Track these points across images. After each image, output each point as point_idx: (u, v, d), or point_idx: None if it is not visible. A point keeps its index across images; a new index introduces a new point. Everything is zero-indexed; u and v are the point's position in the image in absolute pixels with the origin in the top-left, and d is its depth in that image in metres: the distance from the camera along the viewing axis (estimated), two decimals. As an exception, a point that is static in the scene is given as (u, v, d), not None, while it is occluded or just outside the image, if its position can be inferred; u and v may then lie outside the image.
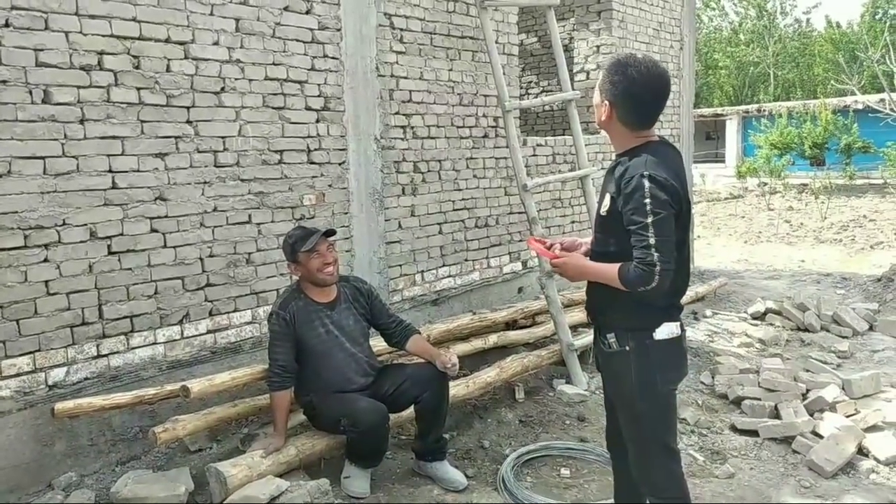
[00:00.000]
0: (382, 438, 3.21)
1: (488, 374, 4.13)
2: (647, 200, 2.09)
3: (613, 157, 2.43)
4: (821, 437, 3.71)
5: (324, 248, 3.21)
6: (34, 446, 3.16)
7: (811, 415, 3.97)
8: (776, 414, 4.03)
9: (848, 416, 3.90)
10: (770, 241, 11.43)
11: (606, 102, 2.28)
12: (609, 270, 2.22)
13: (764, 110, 23.92)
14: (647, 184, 2.10)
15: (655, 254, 2.08)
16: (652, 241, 2.08)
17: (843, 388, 4.26)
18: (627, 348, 2.29)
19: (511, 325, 4.97)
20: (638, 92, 2.22)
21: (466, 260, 5.31)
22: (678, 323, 2.32)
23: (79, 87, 3.19)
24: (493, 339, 4.63)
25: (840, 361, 5.07)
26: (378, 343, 3.61)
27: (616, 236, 2.25)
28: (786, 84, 36.60)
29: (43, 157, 3.11)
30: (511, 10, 5.52)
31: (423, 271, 4.97)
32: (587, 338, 4.72)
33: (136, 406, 3.27)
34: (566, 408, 4.22)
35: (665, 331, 2.26)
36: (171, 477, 3.06)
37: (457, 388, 3.79)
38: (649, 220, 2.09)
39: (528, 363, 4.42)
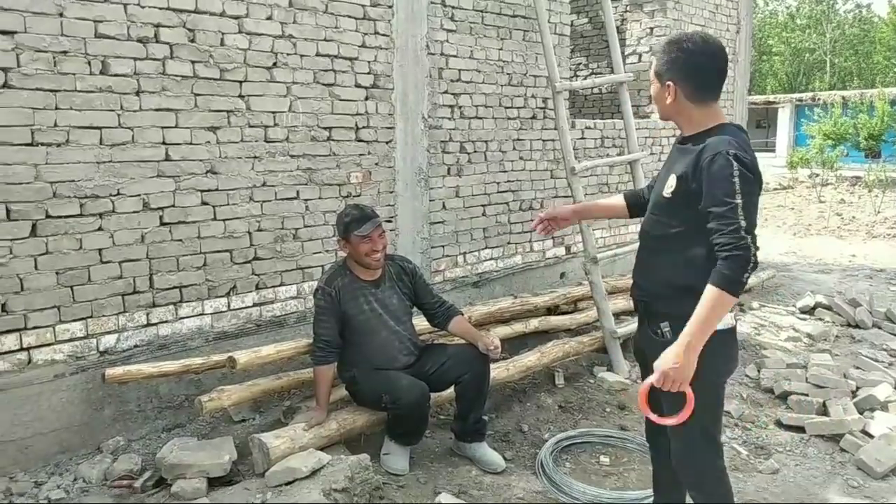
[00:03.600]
0: (423, 417, 3.22)
1: (529, 359, 4.11)
2: (737, 181, 2.00)
3: (677, 138, 2.33)
4: (871, 436, 3.61)
5: (376, 234, 3.22)
6: (85, 409, 3.25)
7: (861, 413, 3.86)
8: (824, 411, 3.93)
9: (900, 417, 3.79)
10: (820, 234, 11.11)
11: (669, 83, 2.20)
12: (710, 301, 2.00)
13: (818, 99, 23.20)
14: (735, 164, 2.01)
15: (748, 236, 1.99)
16: (743, 223, 1.98)
17: (895, 388, 4.13)
18: None
19: (552, 310, 4.93)
20: (699, 61, 2.18)
21: (509, 243, 5.27)
22: (733, 313, 2.24)
23: (135, 59, 3.23)
24: (534, 324, 4.60)
25: (892, 360, 4.90)
26: (420, 323, 3.62)
27: (680, 217, 2.18)
28: (842, 72, 35.43)
29: (99, 128, 3.16)
30: (564, -10, 5.42)
31: (465, 253, 4.95)
32: (630, 325, 4.66)
33: (183, 375, 3.34)
34: (606, 395, 4.18)
35: (722, 321, 2.18)
36: (216, 445, 3.12)
37: (497, 371, 3.78)
38: (739, 201, 1.99)
39: (569, 349, 4.39)
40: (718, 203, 2.02)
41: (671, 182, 2.20)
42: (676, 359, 2.04)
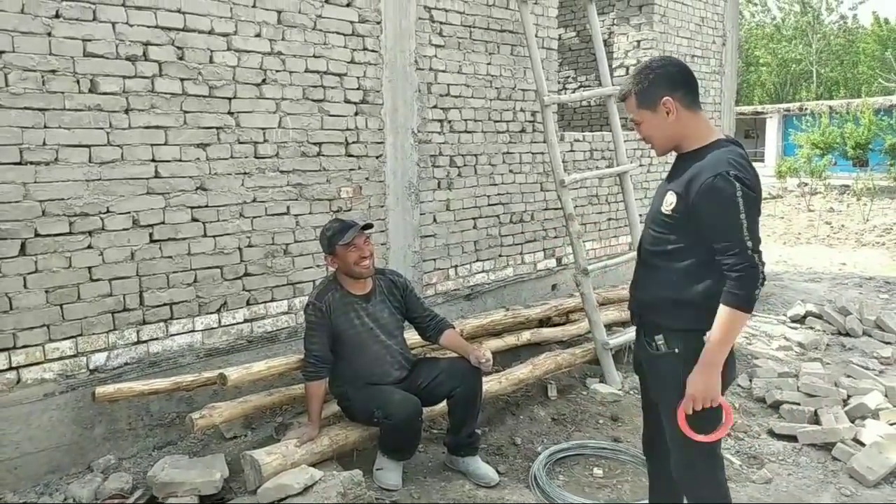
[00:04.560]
0: (416, 431, 3.21)
1: (521, 371, 4.11)
2: (740, 201, 2.03)
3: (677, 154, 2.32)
4: (863, 444, 3.62)
5: (361, 241, 3.22)
6: (75, 428, 3.23)
7: (852, 421, 3.87)
8: (816, 419, 3.94)
9: (891, 424, 3.80)
10: (810, 242, 11.19)
11: (665, 99, 2.21)
12: (726, 321, 2.06)
13: (805, 109, 23.40)
14: (737, 185, 2.04)
15: (755, 255, 2.04)
16: (749, 243, 2.03)
17: (886, 395, 4.14)
18: (677, 350, 2.22)
19: (544, 322, 4.94)
20: (674, 70, 2.25)
21: (500, 255, 5.28)
22: None
23: (124, 78, 3.24)
24: (526, 336, 4.61)
25: (883, 368, 4.93)
26: (411, 337, 3.62)
27: (678, 233, 2.20)
28: (829, 82, 35.79)
29: (88, 146, 3.16)
30: (551, 4, 5.47)
31: (456, 266, 4.96)
32: (622, 337, 4.68)
33: (174, 392, 3.32)
34: (599, 407, 4.19)
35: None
36: (207, 463, 3.10)
37: (489, 384, 3.78)
38: (744, 221, 2.03)
39: (562, 361, 4.39)
40: (724, 224, 2.05)
41: (671, 199, 2.21)
42: (700, 382, 2.12)
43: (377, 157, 4.33)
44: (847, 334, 5.66)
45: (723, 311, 2.06)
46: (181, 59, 3.41)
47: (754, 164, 2.19)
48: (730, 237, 2.04)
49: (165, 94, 3.37)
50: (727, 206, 2.04)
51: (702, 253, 2.14)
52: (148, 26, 3.29)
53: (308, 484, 2.86)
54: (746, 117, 25.95)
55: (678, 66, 2.27)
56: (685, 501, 2.43)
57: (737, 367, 2.44)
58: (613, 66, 6.85)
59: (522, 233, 5.44)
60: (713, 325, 2.09)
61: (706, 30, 7.24)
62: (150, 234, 3.39)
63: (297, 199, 3.93)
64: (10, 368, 3.02)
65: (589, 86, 7.80)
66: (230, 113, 3.61)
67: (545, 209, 5.58)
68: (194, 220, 3.53)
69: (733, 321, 2.06)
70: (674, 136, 2.27)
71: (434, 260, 4.79)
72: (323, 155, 4.03)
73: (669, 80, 2.23)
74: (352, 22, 4.12)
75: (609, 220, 6.25)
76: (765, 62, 36.66)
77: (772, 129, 24.98)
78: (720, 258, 2.08)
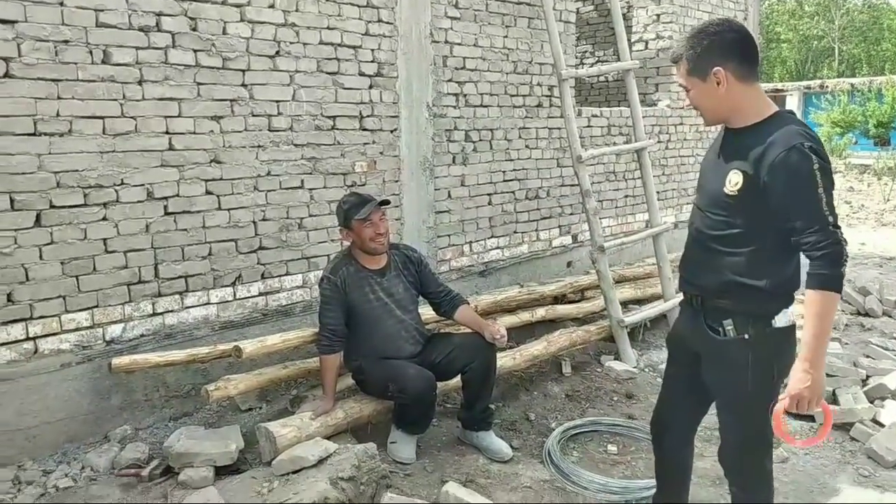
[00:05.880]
0: (430, 405, 3.21)
1: (535, 347, 4.09)
2: (818, 175, 1.91)
3: (727, 129, 2.18)
4: (882, 425, 3.57)
5: (377, 217, 3.20)
6: (92, 399, 3.25)
7: (871, 402, 3.82)
8: (834, 400, 3.89)
9: (911, 405, 3.75)
10: (829, 222, 11.03)
11: (717, 69, 2.06)
12: (817, 306, 1.93)
13: (827, 86, 23.02)
14: (813, 157, 1.92)
15: (837, 231, 1.92)
16: (830, 218, 1.91)
17: (905, 376, 4.09)
18: (747, 336, 2.10)
19: (559, 299, 4.91)
20: (734, 37, 2.08)
21: (515, 232, 5.24)
22: (791, 309, 2.14)
23: (137, 49, 3.21)
24: (540, 313, 4.58)
25: (903, 348, 4.87)
26: (425, 312, 3.60)
27: (745, 215, 2.06)
28: (851, 59, 35.14)
29: (102, 118, 3.15)
30: (569, -24, 5.37)
31: (471, 242, 4.93)
32: (638, 315, 4.65)
33: (190, 364, 3.34)
34: (614, 384, 4.17)
35: (784, 318, 2.09)
36: (223, 434, 3.13)
37: (504, 360, 3.77)
38: (822, 196, 1.91)
39: (576, 338, 4.37)
40: (802, 200, 1.93)
41: (735, 179, 2.06)
42: (807, 378, 1.97)
43: (392, 132, 4.29)
44: (867, 314, 5.60)
45: (813, 296, 1.93)
46: (194, 30, 3.37)
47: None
48: (809, 214, 1.92)
49: (179, 65, 3.34)
50: (805, 180, 1.91)
51: (768, 236, 2.03)
52: (161, -4, 3.25)
53: (322, 456, 2.87)
54: (767, 95, 25.56)
55: (737, 32, 2.08)
56: (730, 488, 2.36)
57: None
58: (632, 40, 6.73)
59: (538, 209, 5.39)
60: (805, 316, 1.95)
61: (727, 3, 7.09)
62: (165, 207, 3.38)
63: (311, 173, 3.90)
64: (28, 339, 3.04)
65: (607, 60, 7.68)
66: (244, 85, 3.58)
67: (561, 185, 5.53)
68: (209, 192, 3.51)
69: (826, 305, 1.93)
70: (723, 108, 2.14)
71: (448, 236, 4.76)
72: (337, 128, 4.00)
73: (724, 49, 2.07)
74: (367, -7, 4.06)
75: (626, 196, 6.18)
76: (786, 38, 36.07)
77: (792, 107, 24.56)
78: (798, 238, 1.94)
